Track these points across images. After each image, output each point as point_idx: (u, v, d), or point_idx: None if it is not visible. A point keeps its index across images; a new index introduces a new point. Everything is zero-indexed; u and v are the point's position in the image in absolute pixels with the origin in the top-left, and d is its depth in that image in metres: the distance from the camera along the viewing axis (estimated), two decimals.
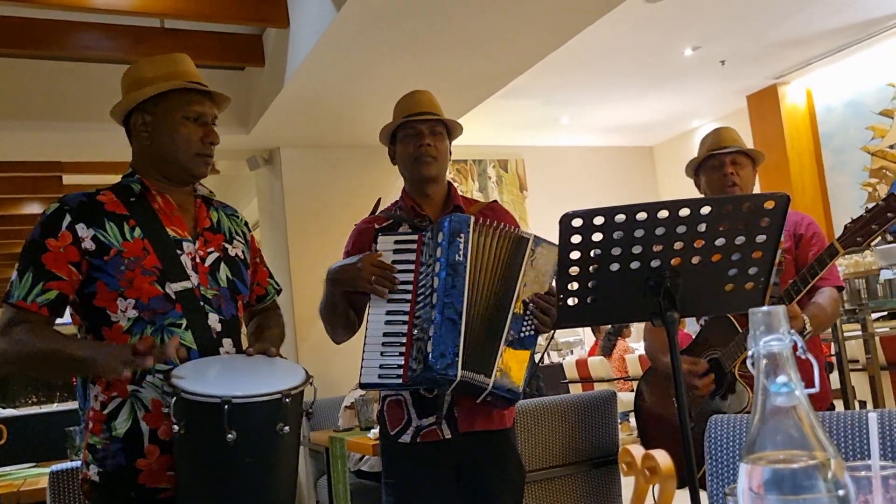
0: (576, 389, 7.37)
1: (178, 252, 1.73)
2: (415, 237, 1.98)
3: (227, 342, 1.75)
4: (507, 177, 9.50)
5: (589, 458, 2.97)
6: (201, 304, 1.72)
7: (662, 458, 0.80)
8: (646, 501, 0.84)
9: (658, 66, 7.25)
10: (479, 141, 8.82)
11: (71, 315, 1.74)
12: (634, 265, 1.52)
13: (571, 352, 8.87)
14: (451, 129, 2.17)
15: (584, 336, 8.96)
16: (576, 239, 1.50)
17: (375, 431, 3.01)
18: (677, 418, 2.44)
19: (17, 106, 4.65)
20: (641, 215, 1.47)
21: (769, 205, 1.49)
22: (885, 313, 4.81)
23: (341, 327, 2.11)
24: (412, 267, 1.94)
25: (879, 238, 2.15)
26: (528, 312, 1.91)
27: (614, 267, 1.52)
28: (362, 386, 1.92)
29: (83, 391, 1.73)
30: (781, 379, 0.64)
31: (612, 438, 3.06)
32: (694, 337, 2.44)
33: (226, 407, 1.47)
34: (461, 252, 1.86)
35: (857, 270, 4.53)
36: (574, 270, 1.54)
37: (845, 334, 3.76)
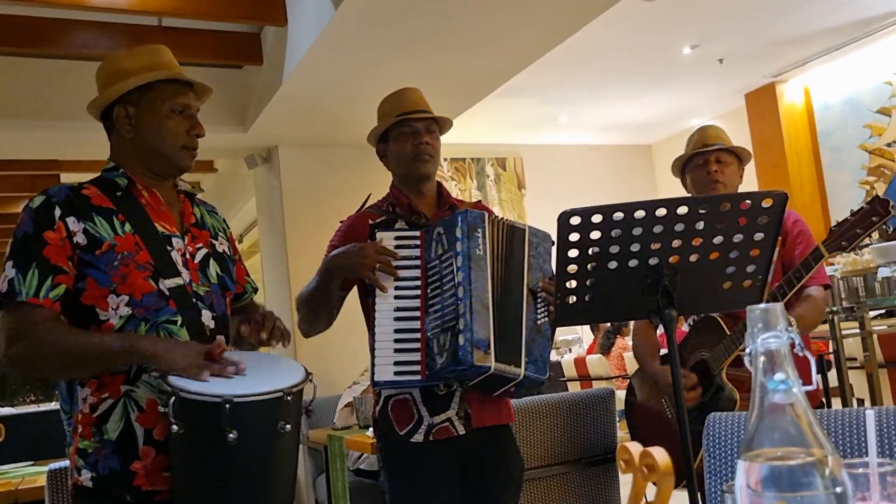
0: (574, 387, 7.38)
1: (168, 248, 1.68)
2: (416, 233, 1.99)
3: (220, 339, 1.71)
4: (506, 175, 9.50)
5: (587, 455, 2.98)
6: (194, 300, 1.68)
7: (660, 455, 0.80)
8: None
9: (656, 65, 7.25)
10: (477, 139, 8.82)
11: None
12: (633, 263, 1.52)
13: (570, 350, 8.88)
14: (442, 127, 2.20)
15: (583, 334, 8.97)
16: (574, 237, 1.50)
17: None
18: (667, 415, 2.46)
19: (14, 104, 4.64)
20: (640, 213, 1.47)
21: (767, 203, 1.50)
22: (883, 311, 4.82)
23: (325, 318, 2.08)
24: (417, 263, 1.95)
25: (870, 238, 2.14)
26: (539, 300, 1.96)
27: (612, 265, 1.53)
28: (376, 384, 1.90)
29: (68, 394, 1.66)
30: (779, 376, 0.64)
31: (610, 436, 3.07)
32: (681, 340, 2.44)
33: (226, 406, 1.44)
34: (480, 246, 1.90)
35: (855, 268, 4.54)
36: (572, 268, 1.54)
37: (843, 332, 3.76)
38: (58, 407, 1.76)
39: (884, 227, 2.04)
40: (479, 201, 2.33)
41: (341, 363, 4.86)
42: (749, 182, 7.57)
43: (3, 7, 3.98)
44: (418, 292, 1.92)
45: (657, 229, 1.49)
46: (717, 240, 1.52)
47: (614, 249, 1.50)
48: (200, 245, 1.77)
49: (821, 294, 2.31)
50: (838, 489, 0.61)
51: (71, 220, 1.59)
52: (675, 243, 1.51)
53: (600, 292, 1.57)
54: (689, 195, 2.46)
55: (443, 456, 2.00)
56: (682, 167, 2.52)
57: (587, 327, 8.63)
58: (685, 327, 2.53)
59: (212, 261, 1.78)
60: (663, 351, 2.58)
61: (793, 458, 0.62)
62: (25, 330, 1.54)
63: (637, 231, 1.49)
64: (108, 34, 4.31)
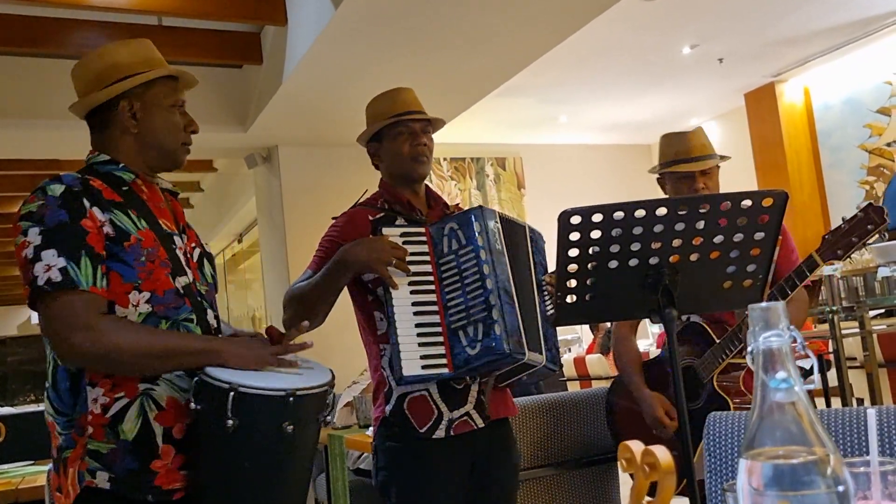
0: (574, 387, 7.38)
1: (173, 246, 1.65)
2: (422, 230, 2.01)
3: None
4: (505, 175, 9.50)
5: (587, 455, 2.97)
6: (199, 299, 1.67)
7: (662, 453, 0.80)
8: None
9: (656, 65, 7.26)
10: (476, 139, 8.83)
11: None
12: (633, 262, 1.52)
13: (570, 349, 8.88)
14: (434, 127, 2.23)
15: (583, 334, 8.97)
16: (574, 236, 1.50)
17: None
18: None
19: (15, 104, 4.64)
20: (640, 213, 1.47)
21: (767, 202, 1.50)
22: (883, 311, 4.82)
23: (322, 315, 2.06)
24: (427, 258, 1.97)
25: (867, 242, 2.12)
26: (545, 292, 2.06)
27: (613, 264, 1.53)
28: (404, 380, 1.89)
29: (70, 394, 1.56)
30: (781, 375, 0.64)
31: (610, 436, 3.06)
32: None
33: (290, 399, 1.48)
34: (498, 241, 1.97)
35: (855, 268, 4.53)
36: (573, 268, 1.54)
37: (843, 332, 3.76)
38: None
39: (883, 234, 2.01)
40: (458, 204, 2.36)
41: (340, 362, 4.85)
42: (749, 182, 7.62)
43: (3, 7, 3.98)
44: (433, 287, 1.95)
45: (658, 228, 1.49)
46: (718, 239, 1.52)
47: (615, 249, 1.50)
48: (194, 244, 1.77)
49: (802, 293, 2.30)
50: (840, 488, 0.61)
51: (97, 210, 1.53)
52: (676, 242, 1.50)
53: (601, 291, 1.57)
54: (689, 195, 2.44)
55: (461, 450, 2.01)
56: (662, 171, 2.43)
57: (587, 327, 8.63)
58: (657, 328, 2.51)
59: (205, 261, 1.78)
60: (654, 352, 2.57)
61: (794, 457, 0.62)
62: (91, 321, 1.47)
63: (637, 230, 1.49)
64: (109, 34, 4.31)
